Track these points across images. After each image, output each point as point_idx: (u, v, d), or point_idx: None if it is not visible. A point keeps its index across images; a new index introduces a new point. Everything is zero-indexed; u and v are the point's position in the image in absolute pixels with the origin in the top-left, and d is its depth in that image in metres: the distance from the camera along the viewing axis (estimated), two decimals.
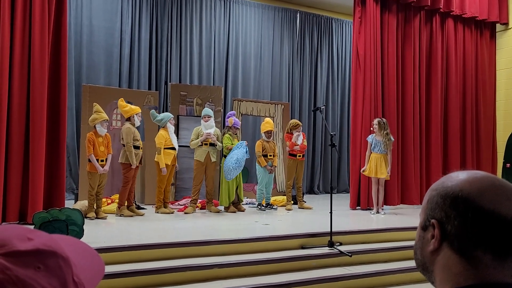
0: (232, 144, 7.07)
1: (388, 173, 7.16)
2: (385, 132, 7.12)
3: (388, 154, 7.16)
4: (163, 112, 8.59)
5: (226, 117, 7.45)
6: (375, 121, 7.23)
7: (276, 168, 7.86)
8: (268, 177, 7.50)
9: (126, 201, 6.43)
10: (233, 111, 7.84)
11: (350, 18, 9.75)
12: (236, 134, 7.33)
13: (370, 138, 7.26)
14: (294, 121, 7.92)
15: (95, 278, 0.61)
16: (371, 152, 7.19)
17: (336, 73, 11.56)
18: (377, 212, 7.19)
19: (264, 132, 7.53)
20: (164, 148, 6.68)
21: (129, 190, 6.43)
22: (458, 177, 0.83)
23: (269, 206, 7.53)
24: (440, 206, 0.82)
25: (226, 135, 7.18)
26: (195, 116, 8.47)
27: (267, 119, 7.87)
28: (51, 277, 0.54)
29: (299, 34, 11.13)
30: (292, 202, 7.78)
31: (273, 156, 7.55)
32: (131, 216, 6.29)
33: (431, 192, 0.85)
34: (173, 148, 6.77)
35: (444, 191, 0.82)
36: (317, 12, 11.27)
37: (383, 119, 7.35)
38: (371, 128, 7.26)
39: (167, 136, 6.73)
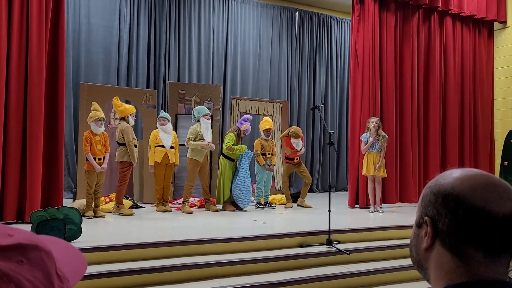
0: (233, 145, 7.02)
1: (382, 170, 7.15)
2: (380, 130, 7.12)
3: (382, 151, 7.12)
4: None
5: (242, 119, 7.32)
6: (375, 120, 7.13)
7: (274, 166, 7.86)
8: (266, 176, 7.50)
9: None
10: (250, 116, 7.50)
11: (348, 17, 9.74)
12: (241, 137, 7.24)
13: (364, 138, 7.17)
14: (296, 129, 7.79)
15: (77, 272, 0.62)
16: (367, 151, 7.14)
17: (335, 71, 11.55)
18: (376, 210, 7.19)
19: (263, 131, 7.53)
20: (156, 146, 6.76)
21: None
22: (452, 174, 0.83)
23: (267, 205, 7.54)
24: (433, 204, 0.82)
25: (231, 134, 7.12)
26: None
27: (266, 117, 7.86)
28: (35, 270, 0.54)
29: (298, 32, 11.12)
30: (291, 200, 7.77)
31: (272, 155, 7.55)
32: (130, 214, 6.29)
33: (426, 190, 0.85)
34: (163, 147, 6.80)
35: (437, 189, 0.82)
36: (315, 10, 11.26)
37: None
38: (372, 127, 7.08)
39: (157, 134, 6.82)
